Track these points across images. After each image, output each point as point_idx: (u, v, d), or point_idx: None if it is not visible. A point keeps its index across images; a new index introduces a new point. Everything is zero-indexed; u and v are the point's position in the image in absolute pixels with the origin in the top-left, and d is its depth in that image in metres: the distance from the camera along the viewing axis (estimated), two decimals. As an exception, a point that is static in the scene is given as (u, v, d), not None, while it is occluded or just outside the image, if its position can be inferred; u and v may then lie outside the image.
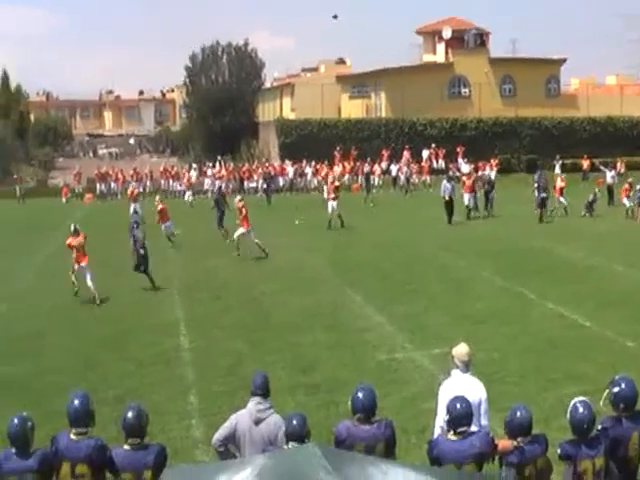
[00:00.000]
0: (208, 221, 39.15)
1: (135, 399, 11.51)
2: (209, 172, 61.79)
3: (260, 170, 59.53)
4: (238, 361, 16.39)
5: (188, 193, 53.41)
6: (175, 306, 21.98)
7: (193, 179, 60.16)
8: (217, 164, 62.97)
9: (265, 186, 53.07)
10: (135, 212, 26.23)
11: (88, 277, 22.89)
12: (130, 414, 7.85)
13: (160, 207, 33.69)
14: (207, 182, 61.01)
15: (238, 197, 32.24)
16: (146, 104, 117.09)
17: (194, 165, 64.50)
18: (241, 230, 29.46)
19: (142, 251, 24.42)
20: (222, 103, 76.39)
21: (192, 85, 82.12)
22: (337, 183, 39.44)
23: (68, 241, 23.49)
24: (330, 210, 36.78)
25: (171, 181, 61.01)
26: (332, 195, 37.07)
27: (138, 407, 7.98)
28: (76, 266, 23.15)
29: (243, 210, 29.33)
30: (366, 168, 56.18)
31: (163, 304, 22.25)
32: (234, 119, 76.37)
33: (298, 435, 7.84)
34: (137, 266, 24.48)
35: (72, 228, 23.65)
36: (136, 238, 24.82)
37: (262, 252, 29.27)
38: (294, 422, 8.00)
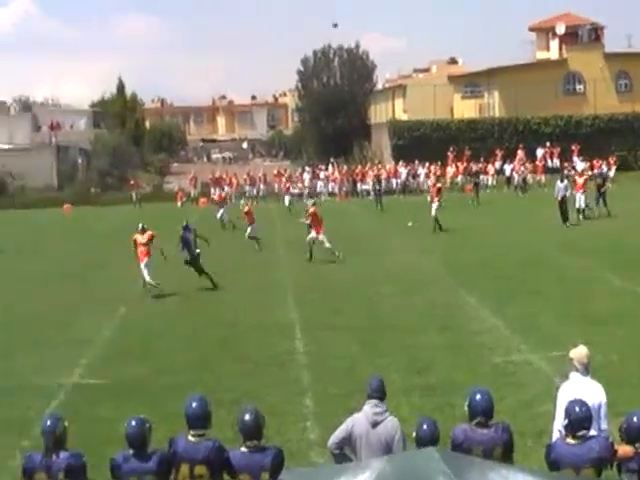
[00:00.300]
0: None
1: (251, 401, 11.60)
2: (322, 175, 62.08)
3: (371, 172, 59.60)
4: (353, 364, 16.36)
5: (287, 197, 53.21)
6: (289, 308, 22.10)
7: (307, 182, 60.73)
8: (330, 167, 63.20)
9: (376, 189, 52.04)
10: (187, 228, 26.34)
11: (145, 272, 24.63)
12: (247, 416, 7.86)
13: (246, 209, 34.52)
14: (320, 185, 61.33)
15: (310, 202, 32.20)
16: (259, 108, 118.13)
17: (307, 168, 64.85)
18: (321, 236, 29.44)
19: (197, 250, 25.38)
20: (334, 106, 76.70)
21: (304, 88, 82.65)
22: (439, 185, 39.07)
23: (134, 237, 25.25)
24: (434, 213, 36.47)
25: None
26: (435, 198, 36.72)
27: (255, 410, 7.99)
28: (142, 264, 24.72)
29: (314, 217, 29.57)
30: (474, 168, 55.74)
31: (277, 306, 22.39)
32: (346, 121, 76.60)
33: (429, 440, 7.77)
34: (187, 262, 25.46)
35: (140, 226, 25.43)
36: (188, 240, 25.52)
37: (309, 256, 29.47)
38: (424, 427, 7.96)
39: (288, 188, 55.81)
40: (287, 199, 52.64)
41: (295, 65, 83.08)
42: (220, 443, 7.91)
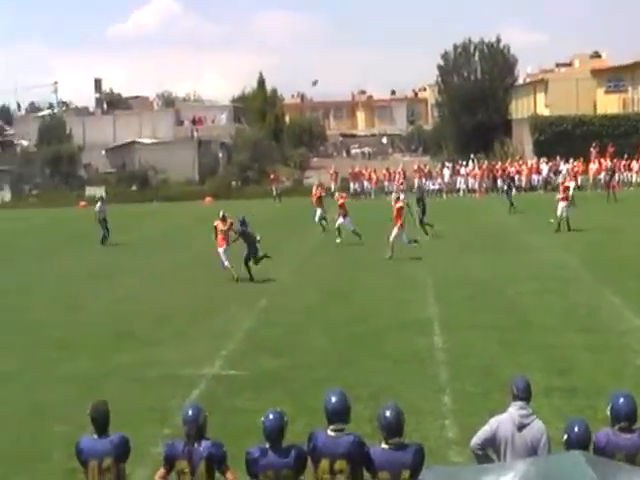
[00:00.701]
0: (460, 219, 39.17)
1: (389, 397, 11.59)
2: (462, 171, 61.60)
3: (512, 169, 58.96)
4: (491, 362, 16.16)
5: (402, 196, 51.43)
6: (428, 304, 21.98)
7: (446, 178, 60.46)
8: (470, 162, 62.65)
9: (506, 188, 48.11)
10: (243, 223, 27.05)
11: (224, 258, 26.51)
12: (388, 413, 7.78)
13: (340, 202, 34.50)
14: (459, 181, 60.87)
15: (394, 196, 31.72)
16: (398, 103, 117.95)
17: (447, 164, 64.44)
18: (394, 231, 29.32)
19: (258, 237, 26.32)
20: (474, 101, 75.88)
21: (444, 83, 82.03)
22: (567, 184, 38.06)
23: (215, 224, 27.10)
24: (559, 212, 35.53)
25: (424, 180, 61.18)
26: (561, 195, 35.78)
27: (396, 406, 7.92)
28: (220, 249, 26.54)
29: (396, 212, 29.48)
30: (609, 164, 54.37)
31: (415, 302, 22.29)
32: (487, 117, 75.70)
33: (580, 442, 7.59)
34: (248, 257, 26.36)
35: (221, 214, 27.18)
36: (247, 234, 26.37)
37: (390, 255, 29.26)
38: (576, 429, 7.79)
39: (402, 184, 54.81)
40: (402, 196, 50.77)
41: (435, 60, 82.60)
42: (360, 438, 7.88)
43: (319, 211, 38.84)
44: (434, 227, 35.30)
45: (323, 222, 38.41)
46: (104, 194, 64.19)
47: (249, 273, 26.19)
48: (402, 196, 45.56)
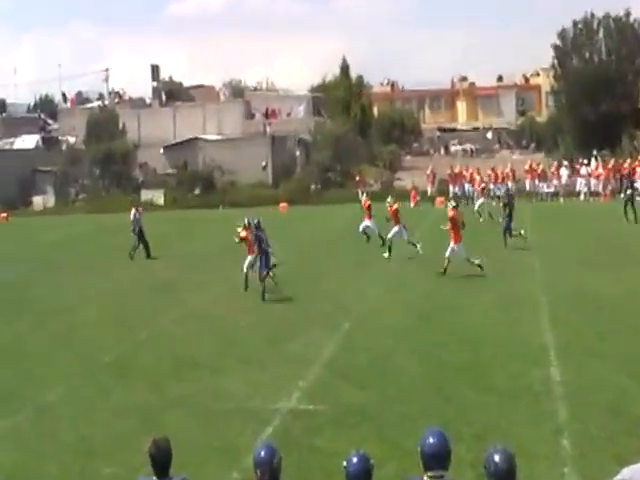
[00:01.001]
0: (581, 227, 38.71)
1: (497, 438, 11.47)
2: (583, 170, 60.93)
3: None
4: (621, 399, 15.92)
5: (479, 202, 50.37)
6: (542, 328, 21.75)
7: (564, 179, 59.81)
8: (592, 161, 61.99)
9: (624, 198, 45.41)
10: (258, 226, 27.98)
11: (249, 265, 28.37)
12: (498, 458, 7.66)
13: (394, 207, 34.84)
14: (580, 182, 60.20)
15: (451, 204, 31.25)
16: (506, 91, 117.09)
17: (564, 162, 63.85)
18: (457, 246, 29.28)
19: (269, 249, 27.90)
20: (598, 87, 74.98)
21: (561, 67, 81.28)
22: None
23: (243, 234, 28.78)
24: None
25: (537, 181, 60.69)
26: None
27: (506, 450, 7.79)
28: (249, 257, 28.45)
29: (450, 222, 29.42)
30: None
31: (528, 326, 22.09)
32: (613, 106, 74.77)
33: None
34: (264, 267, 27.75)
35: (246, 221, 29.04)
36: (261, 239, 27.80)
37: (478, 268, 29.23)
38: None
39: (483, 189, 54.35)
40: (479, 203, 49.52)
41: (550, 39, 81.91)
42: (463, 487, 7.82)
43: (366, 221, 38.81)
44: (526, 238, 34.90)
45: (367, 231, 38.62)
46: (162, 199, 65.05)
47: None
48: (480, 202, 44.86)
